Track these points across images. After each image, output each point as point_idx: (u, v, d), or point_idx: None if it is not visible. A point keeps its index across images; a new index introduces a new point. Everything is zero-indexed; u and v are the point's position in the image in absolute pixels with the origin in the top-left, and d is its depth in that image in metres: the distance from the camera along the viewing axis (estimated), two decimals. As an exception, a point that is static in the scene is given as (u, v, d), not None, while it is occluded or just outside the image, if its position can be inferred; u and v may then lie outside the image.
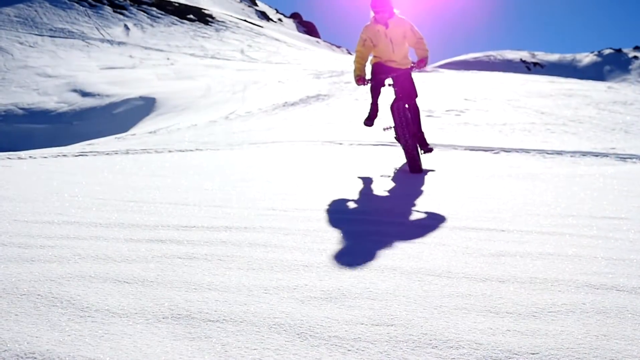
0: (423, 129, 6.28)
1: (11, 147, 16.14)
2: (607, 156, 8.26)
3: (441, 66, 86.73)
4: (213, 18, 59.21)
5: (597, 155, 8.30)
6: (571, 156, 8.21)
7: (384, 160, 7.19)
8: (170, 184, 5.02)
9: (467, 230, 3.40)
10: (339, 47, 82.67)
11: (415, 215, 3.97)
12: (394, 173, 6.07)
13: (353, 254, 2.85)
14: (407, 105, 5.98)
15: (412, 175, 5.89)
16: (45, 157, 7.45)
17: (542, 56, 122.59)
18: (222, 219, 3.52)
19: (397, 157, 7.19)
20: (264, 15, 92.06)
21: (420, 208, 4.19)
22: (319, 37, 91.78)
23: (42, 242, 2.86)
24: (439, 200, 4.46)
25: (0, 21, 46.16)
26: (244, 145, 9.81)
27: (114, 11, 54.66)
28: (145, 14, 55.47)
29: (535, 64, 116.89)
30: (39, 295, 2.14)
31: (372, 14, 5.87)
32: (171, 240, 3.01)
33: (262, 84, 25.50)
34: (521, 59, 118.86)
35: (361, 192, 4.96)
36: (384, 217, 3.91)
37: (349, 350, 1.81)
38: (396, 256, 2.83)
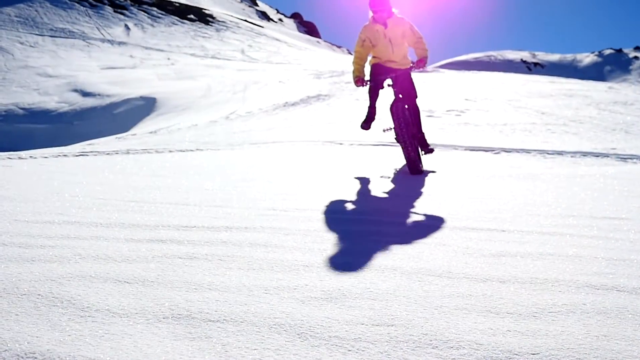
0: (423, 130, 6.24)
1: (12, 147, 16.14)
2: (608, 156, 8.26)
3: (442, 66, 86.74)
4: (213, 18, 59.23)
5: (597, 156, 8.30)
6: (572, 156, 8.21)
7: (384, 161, 7.18)
8: (171, 184, 5.02)
9: (467, 230, 3.40)
10: (339, 47, 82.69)
11: (415, 216, 3.97)
12: (394, 173, 6.06)
13: (353, 254, 2.85)
14: (406, 106, 5.90)
15: (412, 175, 5.88)
16: (46, 157, 7.45)
17: (543, 56, 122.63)
18: (223, 219, 3.52)
19: (398, 157, 7.19)
20: (264, 15, 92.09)
21: (421, 208, 4.18)
22: (319, 37, 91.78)
23: (43, 242, 2.86)
24: (439, 200, 4.46)
25: (1, 21, 46.19)
26: (245, 145, 9.81)
27: (115, 11, 54.68)
28: (145, 14, 55.49)
29: (535, 64, 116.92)
30: (39, 295, 2.14)
31: (370, 13, 5.83)
32: (172, 240, 3.01)
33: (262, 84, 25.50)
34: (522, 59, 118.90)
35: (361, 193, 4.96)
36: (384, 217, 3.91)
37: (349, 350, 1.81)
38: (396, 256, 2.83)
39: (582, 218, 3.80)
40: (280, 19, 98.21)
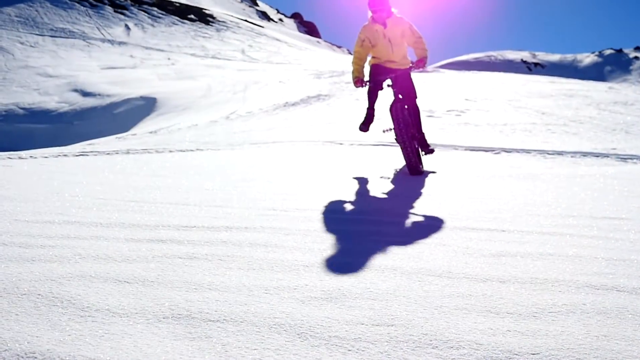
0: (424, 130, 6.22)
1: (12, 147, 16.15)
2: (608, 156, 8.26)
3: (442, 66, 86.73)
4: (214, 18, 59.23)
5: (597, 156, 8.30)
6: (572, 156, 8.20)
7: (384, 161, 7.18)
8: (171, 184, 5.03)
9: (467, 230, 3.40)
10: (339, 47, 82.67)
11: (415, 216, 3.97)
12: (394, 174, 6.06)
13: (353, 254, 2.85)
14: (406, 106, 5.89)
15: (412, 175, 5.88)
16: (46, 157, 7.45)
17: (543, 56, 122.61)
18: (223, 219, 3.52)
19: (398, 157, 7.18)
20: (264, 16, 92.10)
21: (421, 208, 4.18)
22: (319, 37, 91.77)
23: (43, 241, 2.86)
24: (439, 200, 4.46)
25: (1, 21, 46.21)
26: (245, 145, 9.81)
27: (115, 11, 54.69)
28: (146, 14, 55.50)
29: (536, 64, 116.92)
30: (39, 294, 2.14)
31: (370, 13, 5.82)
32: (172, 240, 3.01)
33: (262, 84, 25.50)
34: (522, 59, 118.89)
35: (361, 193, 4.96)
36: (384, 218, 3.91)
37: (349, 350, 1.81)
38: (396, 256, 2.83)
39: (582, 218, 3.80)
40: (280, 19, 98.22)
